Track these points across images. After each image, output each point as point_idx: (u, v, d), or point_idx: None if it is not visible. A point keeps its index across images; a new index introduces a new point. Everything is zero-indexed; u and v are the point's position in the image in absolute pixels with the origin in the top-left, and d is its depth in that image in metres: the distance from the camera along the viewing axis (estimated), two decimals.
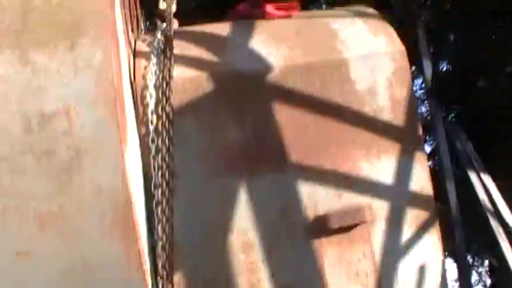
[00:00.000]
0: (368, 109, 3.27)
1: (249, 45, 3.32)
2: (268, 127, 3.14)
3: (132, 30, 3.66)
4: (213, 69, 3.18)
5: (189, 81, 3.12)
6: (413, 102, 3.38)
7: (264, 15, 3.72)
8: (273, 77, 3.19)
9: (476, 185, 7.52)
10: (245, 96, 3.15)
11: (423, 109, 14.18)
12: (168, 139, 2.91)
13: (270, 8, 3.76)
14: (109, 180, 2.43)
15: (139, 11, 4.49)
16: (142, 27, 4.64)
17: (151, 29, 4.17)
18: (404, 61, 3.41)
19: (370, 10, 3.76)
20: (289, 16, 3.71)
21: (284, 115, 3.16)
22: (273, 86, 3.18)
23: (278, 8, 3.78)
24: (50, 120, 2.48)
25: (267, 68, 3.21)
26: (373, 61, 3.35)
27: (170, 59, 3.08)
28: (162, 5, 3.77)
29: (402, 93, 3.36)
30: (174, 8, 3.66)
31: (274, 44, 3.33)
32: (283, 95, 3.17)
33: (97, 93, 2.47)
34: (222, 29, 3.56)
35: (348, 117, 3.24)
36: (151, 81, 3.04)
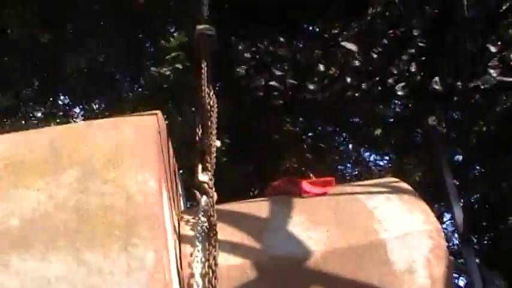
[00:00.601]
0: None
1: (289, 227, 3.45)
2: None
3: (173, 201, 3.79)
4: (255, 255, 3.29)
5: (233, 268, 3.22)
6: (450, 279, 3.44)
7: (300, 192, 3.87)
8: (313, 261, 3.30)
9: None
10: (287, 282, 3.24)
11: (454, 241, 14.14)
12: None
13: (306, 184, 3.91)
14: None
15: (178, 181, 4.66)
16: (182, 199, 4.79)
17: (192, 203, 4.33)
18: (440, 239, 3.50)
19: (404, 185, 3.90)
20: (325, 193, 3.86)
21: None
22: (314, 271, 3.27)
23: (314, 184, 3.94)
24: None
25: (307, 252, 3.32)
26: (410, 240, 3.45)
27: (215, 246, 3.19)
28: (202, 177, 3.93)
29: (440, 271, 3.42)
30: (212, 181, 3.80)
31: (313, 226, 3.46)
32: (323, 279, 3.26)
33: None
34: (261, 208, 3.70)
35: None
36: (197, 269, 3.14)
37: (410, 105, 10.35)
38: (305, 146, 9.56)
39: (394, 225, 3.50)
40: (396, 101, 11.23)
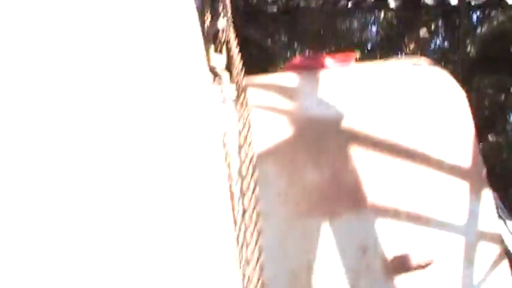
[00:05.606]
0: None
1: (320, 92, 3.47)
2: (345, 169, 3.26)
3: None
4: (291, 114, 3.32)
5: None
6: (476, 143, 3.52)
7: (322, 67, 3.86)
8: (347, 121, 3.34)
9: None
10: (322, 140, 3.28)
11: None
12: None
13: (327, 59, 3.89)
14: None
15: None
16: None
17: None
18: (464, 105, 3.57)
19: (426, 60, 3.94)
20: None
21: (359, 158, 3.29)
22: (348, 130, 3.32)
23: (335, 59, 3.92)
24: None
25: (341, 113, 3.36)
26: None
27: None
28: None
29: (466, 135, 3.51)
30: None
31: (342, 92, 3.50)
32: (358, 138, 3.31)
33: None
34: (287, 78, 3.69)
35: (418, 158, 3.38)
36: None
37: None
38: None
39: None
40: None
